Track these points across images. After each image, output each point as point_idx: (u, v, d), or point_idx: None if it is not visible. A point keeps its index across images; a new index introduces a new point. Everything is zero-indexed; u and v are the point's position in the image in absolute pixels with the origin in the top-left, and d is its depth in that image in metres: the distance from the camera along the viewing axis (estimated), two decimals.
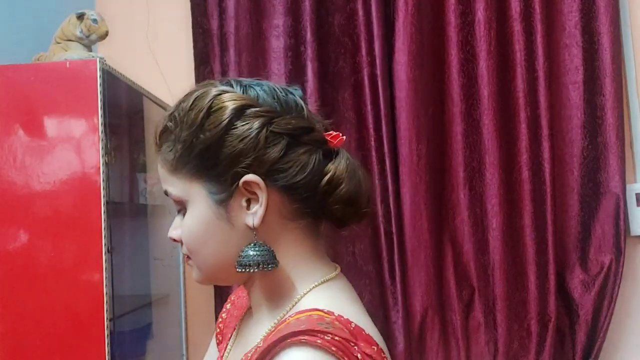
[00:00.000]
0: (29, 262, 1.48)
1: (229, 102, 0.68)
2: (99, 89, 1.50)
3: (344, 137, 0.74)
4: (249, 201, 0.69)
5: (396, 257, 1.94)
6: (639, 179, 2.00)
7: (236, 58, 2.04)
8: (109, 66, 1.58)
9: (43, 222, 1.49)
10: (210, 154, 0.68)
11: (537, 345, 1.90)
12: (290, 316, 0.69)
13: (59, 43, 1.63)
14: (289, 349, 0.61)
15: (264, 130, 0.67)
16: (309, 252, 0.73)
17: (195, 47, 2.10)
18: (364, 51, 1.99)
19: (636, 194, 1.96)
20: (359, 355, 0.62)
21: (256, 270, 0.68)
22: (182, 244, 0.74)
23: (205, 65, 2.08)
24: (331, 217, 0.73)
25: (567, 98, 1.97)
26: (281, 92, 0.72)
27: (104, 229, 1.46)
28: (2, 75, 1.54)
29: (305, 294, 0.71)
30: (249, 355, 0.70)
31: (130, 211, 1.99)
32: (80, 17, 1.61)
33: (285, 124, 0.68)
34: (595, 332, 1.90)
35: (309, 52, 1.99)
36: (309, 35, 1.99)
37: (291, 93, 0.73)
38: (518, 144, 1.94)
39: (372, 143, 1.97)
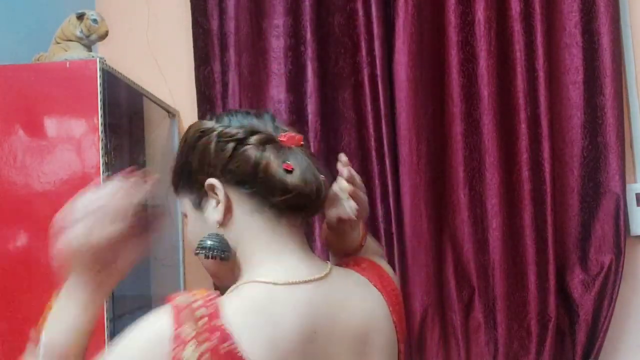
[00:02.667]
0: (29, 262, 1.48)
1: (193, 130, 0.83)
2: (99, 89, 1.50)
3: (298, 136, 0.80)
4: (218, 202, 0.79)
5: (396, 257, 1.93)
6: (639, 179, 2.00)
7: (236, 58, 2.04)
8: (109, 66, 1.58)
9: (43, 222, 1.46)
10: (185, 171, 0.83)
11: (537, 345, 1.90)
12: None
13: (59, 43, 1.63)
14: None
15: (214, 142, 0.79)
16: (264, 246, 0.78)
17: (195, 47, 2.09)
18: (364, 51, 1.99)
19: (636, 194, 1.96)
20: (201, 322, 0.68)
21: (205, 253, 0.77)
22: None
23: (205, 65, 2.08)
24: (283, 207, 0.77)
25: (567, 98, 1.97)
26: (243, 115, 0.83)
27: None
28: (2, 75, 1.54)
29: (236, 286, 0.75)
30: None
31: None
32: (80, 17, 1.61)
33: (228, 132, 0.79)
34: (595, 332, 1.90)
35: (309, 52, 1.99)
36: (309, 35, 1.99)
37: (255, 115, 0.84)
38: (518, 144, 1.93)
39: (372, 143, 1.97)
